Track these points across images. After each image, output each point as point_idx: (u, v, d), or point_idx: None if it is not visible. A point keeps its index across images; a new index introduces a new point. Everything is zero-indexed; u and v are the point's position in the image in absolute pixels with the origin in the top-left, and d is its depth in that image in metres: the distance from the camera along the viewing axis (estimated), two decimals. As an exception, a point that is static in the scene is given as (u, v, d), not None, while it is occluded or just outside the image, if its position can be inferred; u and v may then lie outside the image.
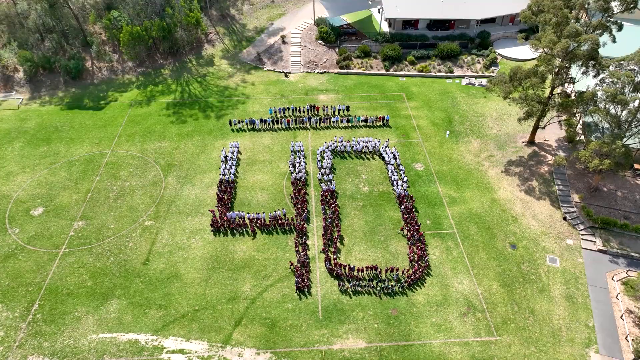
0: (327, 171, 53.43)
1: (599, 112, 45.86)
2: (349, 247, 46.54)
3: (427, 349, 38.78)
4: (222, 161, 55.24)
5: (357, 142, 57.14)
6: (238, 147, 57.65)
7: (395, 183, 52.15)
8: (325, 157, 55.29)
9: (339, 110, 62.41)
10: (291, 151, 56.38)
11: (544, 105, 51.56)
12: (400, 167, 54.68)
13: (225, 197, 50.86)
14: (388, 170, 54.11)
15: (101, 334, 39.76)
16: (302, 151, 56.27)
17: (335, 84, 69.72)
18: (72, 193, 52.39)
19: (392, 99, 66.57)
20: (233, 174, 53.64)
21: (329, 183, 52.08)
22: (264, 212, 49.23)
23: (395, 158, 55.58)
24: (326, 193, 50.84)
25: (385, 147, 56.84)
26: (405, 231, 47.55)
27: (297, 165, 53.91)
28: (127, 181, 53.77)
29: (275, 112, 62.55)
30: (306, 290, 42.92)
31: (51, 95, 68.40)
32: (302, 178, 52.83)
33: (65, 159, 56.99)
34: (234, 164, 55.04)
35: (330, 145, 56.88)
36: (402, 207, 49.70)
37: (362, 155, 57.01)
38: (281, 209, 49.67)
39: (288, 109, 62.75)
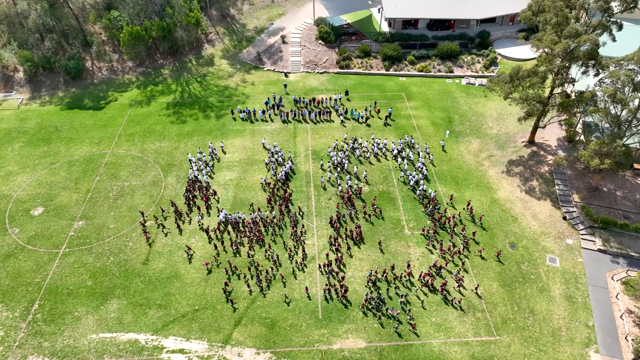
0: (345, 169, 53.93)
1: (599, 112, 45.84)
2: (349, 247, 46.55)
3: (427, 348, 38.78)
4: (190, 160, 55.06)
5: (376, 143, 57.33)
6: (222, 147, 57.79)
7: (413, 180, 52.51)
8: (340, 155, 55.42)
9: (338, 99, 63.22)
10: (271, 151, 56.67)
11: (544, 105, 51.53)
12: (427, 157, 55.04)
13: (197, 200, 51.20)
14: (408, 174, 53.69)
15: (101, 333, 39.78)
16: (280, 152, 56.28)
17: (335, 83, 69.70)
18: (72, 193, 52.40)
19: (392, 98, 66.56)
20: (206, 175, 53.83)
21: (355, 182, 52.43)
22: (242, 213, 49.13)
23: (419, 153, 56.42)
24: (350, 194, 50.78)
25: (427, 152, 56.62)
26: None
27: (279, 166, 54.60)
28: (127, 181, 53.78)
29: (274, 99, 63.79)
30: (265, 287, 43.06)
31: (51, 95, 68.42)
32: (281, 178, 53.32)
33: (65, 159, 57.00)
34: (210, 166, 54.91)
35: (338, 145, 57.15)
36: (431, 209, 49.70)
37: (362, 155, 56.96)
38: (269, 209, 49.77)
39: (287, 93, 64.46)
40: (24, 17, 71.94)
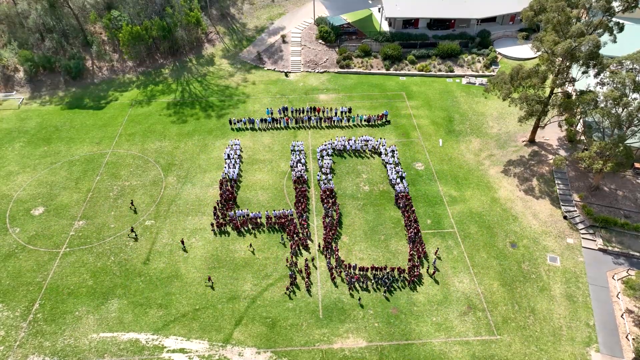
0: (327, 170, 53.51)
1: (601, 112, 45.69)
2: (350, 247, 46.53)
3: (428, 348, 38.79)
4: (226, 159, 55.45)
5: (357, 140, 57.35)
6: (239, 146, 57.78)
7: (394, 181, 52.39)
8: (325, 157, 55.31)
9: (342, 112, 62.26)
10: (291, 151, 56.56)
11: (545, 106, 51.45)
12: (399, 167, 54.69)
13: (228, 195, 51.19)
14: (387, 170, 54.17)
15: (102, 333, 39.79)
16: (302, 150, 56.32)
17: (336, 83, 69.70)
18: (73, 193, 52.40)
19: (392, 98, 66.55)
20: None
21: (330, 182, 52.18)
22: (259, 212, 49.32)
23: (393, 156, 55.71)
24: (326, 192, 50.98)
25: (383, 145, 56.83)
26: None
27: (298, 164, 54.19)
28: (128, 181, 53.78)
29: (272, 112, 62.35)
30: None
31: (51, 95, 68.42)
32: (302, 176, 53.08)
33: (65, 159, 57.00)
34: (238, 163, 55.25)
35: (330, 144, 56.93)
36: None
37: (362, 154, 57.00)
38: (285, 208, 49.75)
39: (287, 109, 62.52)
40: (24, 17, 71.94)
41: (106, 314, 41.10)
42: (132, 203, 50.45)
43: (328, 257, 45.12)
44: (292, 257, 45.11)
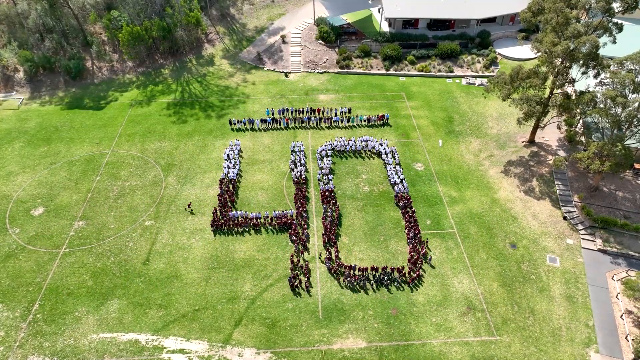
0: (327, 171, 53.51)
1: (599, 112, 45.74)
2: (349, 247, 46.56)
3: (427, 348, 38.81)
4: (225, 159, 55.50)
5: (357, 140, 57.31)
6: (239, 146, 57.77)
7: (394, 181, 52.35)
8: (325, 157, 55.31)
9: (341, 112, 62.29)
10: (291, 152, 56.53)
11: (544, 106, 51.46)
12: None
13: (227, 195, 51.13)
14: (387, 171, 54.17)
15: (101, 333, 39.80)
16: (302, 151, 56.32)
17: (336, 83, 69.72)
18: (73, 193, 52.42)
19: (392, 98, 66.57)
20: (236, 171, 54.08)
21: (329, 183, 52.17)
22: (259, 212, 49.31)
23: (394, 157, 55.58)
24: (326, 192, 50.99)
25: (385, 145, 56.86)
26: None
27: (298, 164, 54.19)
28: (128, 181, 53.80)
29: (273, 113, 62.35)
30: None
31: (51, 95, 68.43)
32: (302, 176, 53.04)
33: (65, 159, 57.01)
34: (238, 163, 55.23)
35: (330, 145, 56.90)
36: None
37: (362, 155, 57.02)
38: (285, 209, 49.74)
39: (287, 110, 62.46)
40: (24, 17, 71.95)
41: (106, 315, 41.12)
42: (189, 205, 50.19)
43: (328, 258, 45.15)
44: (296, 258, 45.12)
